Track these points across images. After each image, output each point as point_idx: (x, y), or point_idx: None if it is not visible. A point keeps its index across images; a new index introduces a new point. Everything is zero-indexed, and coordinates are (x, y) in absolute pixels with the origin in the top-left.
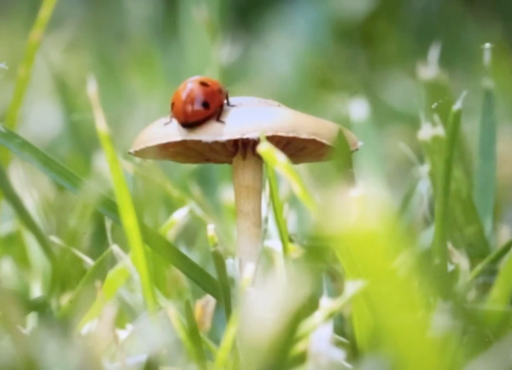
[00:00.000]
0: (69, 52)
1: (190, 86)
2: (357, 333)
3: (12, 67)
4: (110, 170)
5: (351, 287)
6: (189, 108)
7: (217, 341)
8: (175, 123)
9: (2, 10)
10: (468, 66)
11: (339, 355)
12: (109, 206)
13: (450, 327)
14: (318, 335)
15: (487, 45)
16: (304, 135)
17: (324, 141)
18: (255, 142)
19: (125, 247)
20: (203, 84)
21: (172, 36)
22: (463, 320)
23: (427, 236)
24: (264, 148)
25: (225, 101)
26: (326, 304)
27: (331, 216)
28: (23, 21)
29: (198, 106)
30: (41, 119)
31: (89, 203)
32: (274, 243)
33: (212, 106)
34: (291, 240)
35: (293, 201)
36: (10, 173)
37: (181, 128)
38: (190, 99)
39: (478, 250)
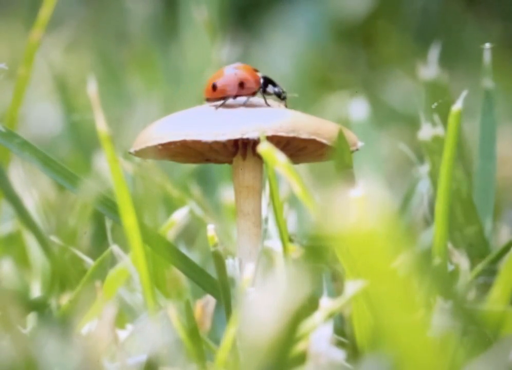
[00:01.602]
0: (69, 52)
1: (228, 66)
2: (357, 333)
3: (12, 67)
4: (110, 170)
5: (351, 287)
6: (208, 84)
7: (217, 341)
8: (175, 122)
9: (2, 10)
10: (468, 66)
11: (339, 355)
12: (109, 206)
13: (450, 327)
14: (318, 335)
15: (487, 45)
16: (304, 135)
17: (324, 141)
18: (255, 142)
19: (125, 247)
20: (236, 69)
21: (172, 36)
22: (463, 320)
23: (427, 236)
24: (264, 148)
25: (237, 96)
26: (326, 304)
27: (331, 216)
28: (23, 21)
29: (211, 86)
30: (41, 119)
31: (89, 203)
32: (274, 243)
33: (218, 90)
34: (291, 240)
35: (293, 201)
36: (10, 173)
37: (181, 128)
38: (213, 77)
39: (478, 250)
